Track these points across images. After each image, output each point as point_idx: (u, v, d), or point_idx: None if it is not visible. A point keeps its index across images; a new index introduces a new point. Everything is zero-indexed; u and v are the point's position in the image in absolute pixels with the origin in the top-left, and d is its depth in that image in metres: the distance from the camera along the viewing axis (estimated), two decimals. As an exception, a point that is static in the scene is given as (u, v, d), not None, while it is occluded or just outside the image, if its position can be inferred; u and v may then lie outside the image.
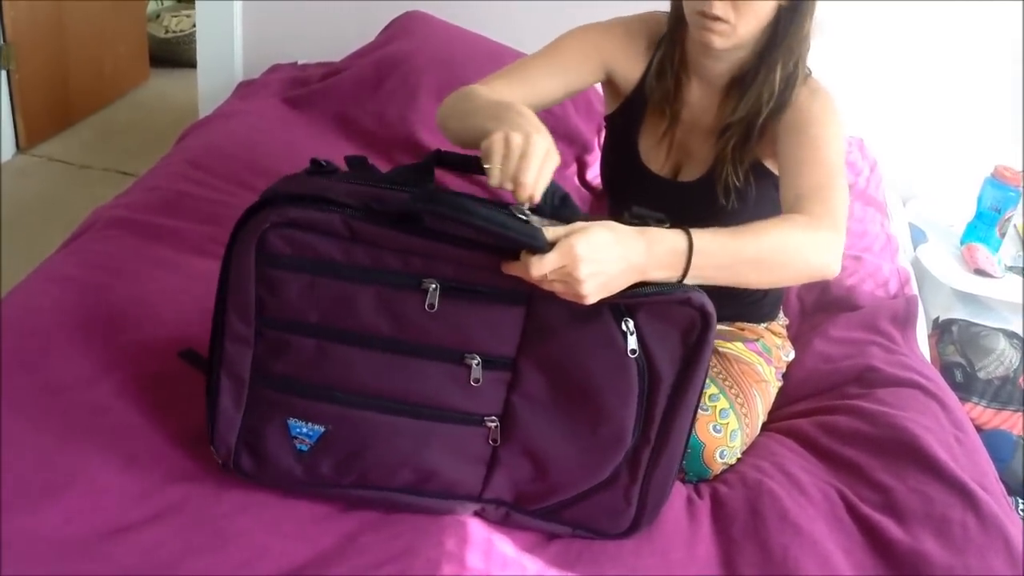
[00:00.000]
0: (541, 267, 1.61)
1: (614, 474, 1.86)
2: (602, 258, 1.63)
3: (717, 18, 2.10)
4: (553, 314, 1.72)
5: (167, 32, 6.18)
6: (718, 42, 2.14)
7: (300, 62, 4.09)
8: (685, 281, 1.74)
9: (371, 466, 1.84)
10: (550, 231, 1.64)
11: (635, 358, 1.75)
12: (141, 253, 2.47)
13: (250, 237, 1.70)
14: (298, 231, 1.69)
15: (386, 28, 3.82)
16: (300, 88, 3.69)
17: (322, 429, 1.79)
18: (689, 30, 2.24)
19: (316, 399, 1.78)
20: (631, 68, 2.39)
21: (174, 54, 6.08)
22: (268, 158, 3.06)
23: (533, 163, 1.68)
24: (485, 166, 1.72)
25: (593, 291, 1.64)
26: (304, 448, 1.80)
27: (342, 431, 1.80)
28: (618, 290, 1.69)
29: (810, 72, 2.30)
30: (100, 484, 1.79)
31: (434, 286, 1.68)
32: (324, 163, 1.85)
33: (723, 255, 1.79)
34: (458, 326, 1.72)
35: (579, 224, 1.66)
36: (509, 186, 1.68)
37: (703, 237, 1.75)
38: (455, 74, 3.41)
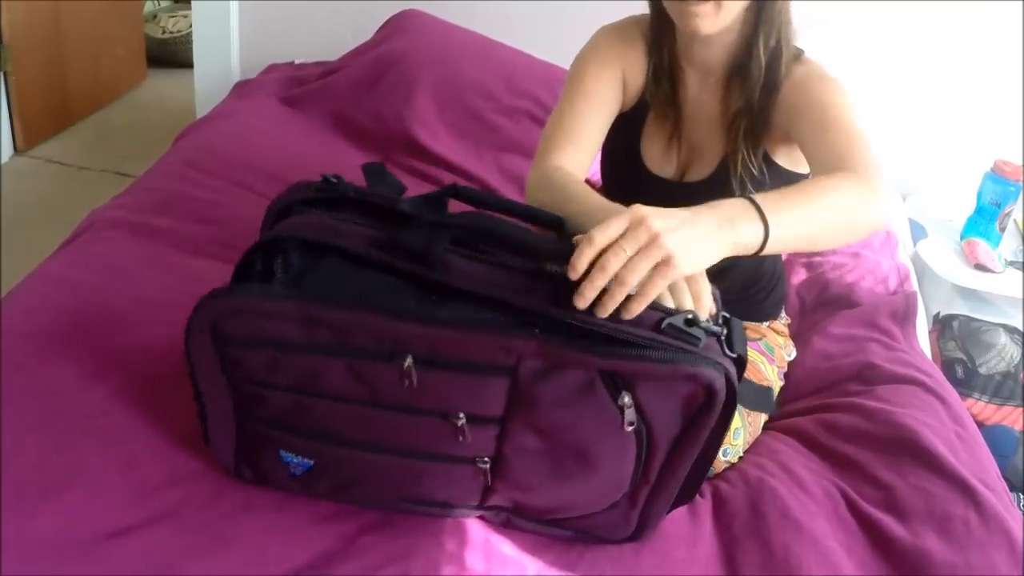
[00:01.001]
0: (608, 229, 1.51)
1: (613, 504, 1.83)
2: (671, 213, 1.54)
3: (698, 1, 2.07)
4: (540, 387, 1.62)
5: (164, 33, 6.18)
6: (704, 26, 2.10)
7: (297, 62, 4.10)
8: (770, 236, 1.63)
9: (365, 490, 1.84)
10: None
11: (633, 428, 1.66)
12: (139, 254, 2.47)
13: (202, 325, 1.69)
14: (250, 317, 1.65)
15: (382, 27, 3.82)
16: (297, 88, 3.70)
17: (311, 462, 1.77)
18: (676, 23, 2.21)
19: (302, 438, 1.75)
20: (636, 73, 2.38)
21: (171, 54, 6.08)
22: (265, 158, 3.06)
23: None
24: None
25: (679, 248, 1.50)
26: (297, 473, 1.79)
27: (331, 466, 1.79)
28: (715, 256, 1.58)
29: (802, 52, 2.28)
30: (99, 486, 1.78)
31: (408, 362, 1.60)
32: (335, 179, 1.81)
33: (791, 207, 1.71)
34: (438, 394, 1.65)
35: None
36: None
37: (764, 196, 1.68)
38: (451, 72, 3.43)
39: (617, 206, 1.90)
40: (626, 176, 2.45)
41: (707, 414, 1.64)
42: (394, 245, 1.64)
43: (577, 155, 2.24)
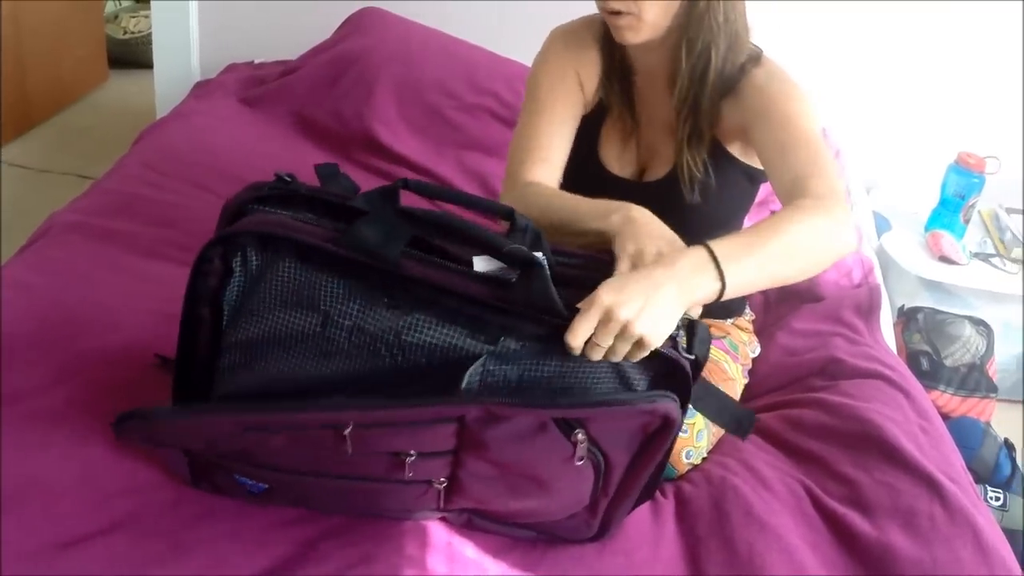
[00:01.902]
0: (579, 331, 1.56)
1: (572, 514, 1.82)
2: (633, 292, 1.59)
3: (619, 12, 2.08)
4: (489, 431, 1.61)
5: (125, 33, 6.14)
6: (630, 36, 2.13)
7: (257, 61, 4.08)
8: (727, 286, 1.69)
9: (323, 505, 1.84)
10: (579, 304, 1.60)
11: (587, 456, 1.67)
12: (96, 257, 2.45)
13: (138, 436, 1.71)
14: (184, 436, 1.69)
15: (342, 25, 3.81)
16: (256, 87, 3.68)
17: (266, 485, 1.76)
18: None
19: (254, 468, 1.73)
20: (591, 75, 2.37)
21: (133, 55, 6.04)
22: (224, 159, 3.05)
23: None
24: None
25: (649, 328, 1.58)
26: (254, 492, 1.78)
27: (286, 489, 1.78)
28: (677, 317, 1.64)
29: (760, 52, 2.27)
30: (56, 494, 1.76)
31: (348, 430, 1.57)
32: (289, 178, 1.80)
33: (748, 253, 1.75)
34: (384, 443, 1.63)
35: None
36: None
37: (720, 243, 1.72)
38: (412, 70, 3.42)
39: (604, 201, 1.97)
40: (586, 177, 2.43)
41: (662, 436, 1.67)
42: (352, 239, 1.63)
43: (547, 170, 2.25)
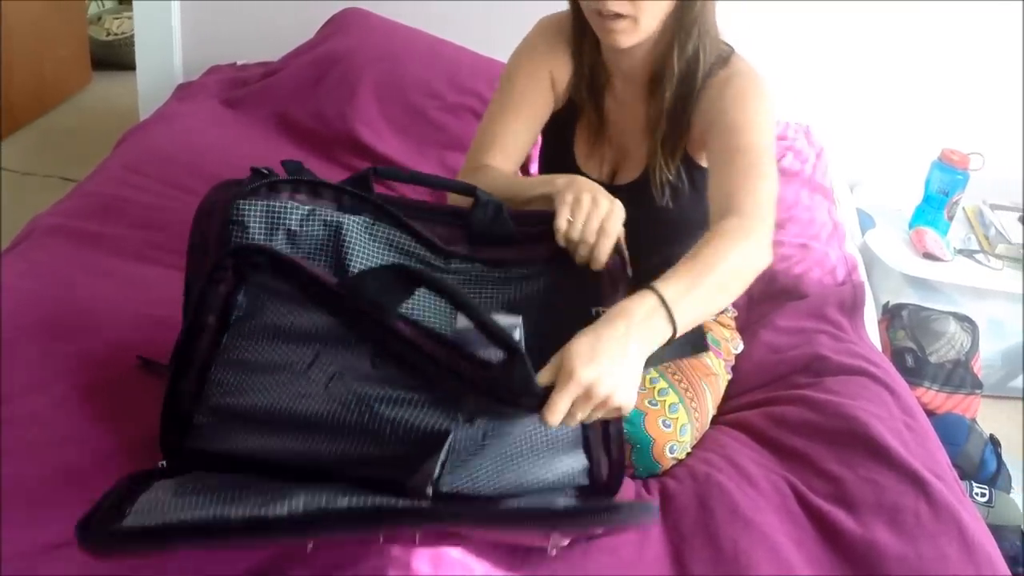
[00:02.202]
0: (558, 410, 1.58)
1: None
2: (602, 359, 1.60)
3: (617, 15, 2.06)
4: (453, 528, 1.67)
5: (108, 35, 6.13)
6: (623, 40, 2.11)
7: (239, 63, 4.07)
8: (677, 329, 1.72)
9: None
10: (542, 374, 1.61)
11: None
12: (79, 260, 2.45)
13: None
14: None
15: (324, 26, 3.82)
16: (239, 89, 3.68)
17: None
18: (597, 35, 2.21)
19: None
20: (563, 74, 2.36)
21: (116, 57, 6.02)
22: (206, 160, 3.04)
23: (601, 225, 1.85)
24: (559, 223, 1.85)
25: (624, 397, 1.62)
26: None
27: None
28: (640, 376, 1.67)
29: (731, 51, 2.27)
30: (39, 498, 1.76)
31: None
32: (267, 171, 1.82)
33: (691, 293, 1.77)
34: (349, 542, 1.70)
35: (560, 352, 1.62)
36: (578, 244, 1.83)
37: (666, 285, 1.75)
38: (394, 70, 3.42)
39: (549, 177, 2.05)
40: (558, 172, 2.44)
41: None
42: (356, 283, 1.65)
43: (503, 160, 2.29)
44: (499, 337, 1.59)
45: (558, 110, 2.41)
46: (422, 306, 1.85)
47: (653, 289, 1.73)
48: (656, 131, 2.27)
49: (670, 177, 2.26)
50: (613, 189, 2.26)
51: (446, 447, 1.59)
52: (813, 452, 2.18)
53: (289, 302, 1.69)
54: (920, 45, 4.03)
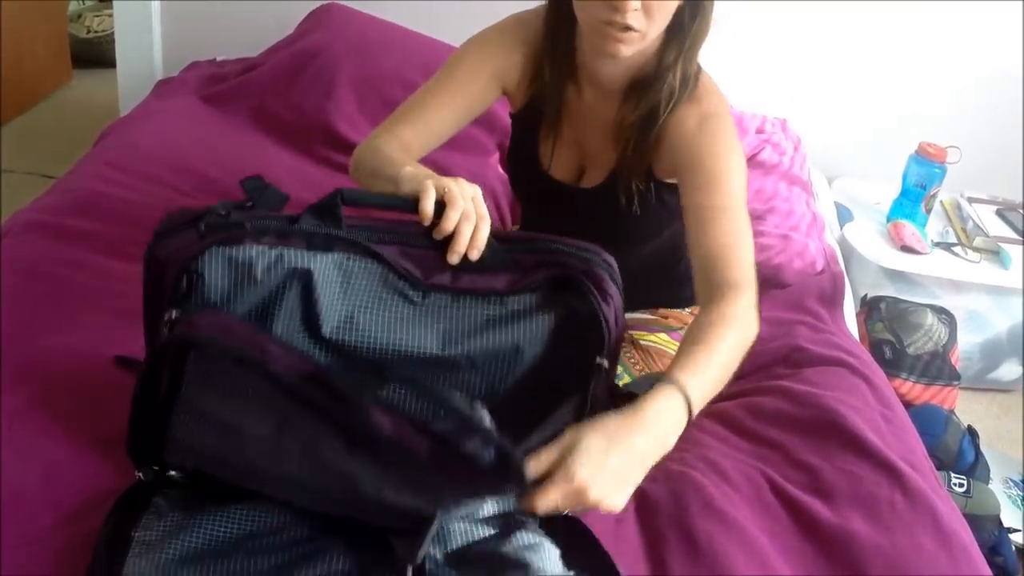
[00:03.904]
0: (547, 504, 1.59)
1: None
2: (608, 467, 1.62)
3: (628, 28, 2.00)
4: None
5: (89, 32, 6.10)
6: (625, 50, 2.05)
7: (219, 59, 4.06)
8: (689, 421, 1.79)
9: None
10: (542, 457, 1.61)
11: None
12: (58, 256, 2.44)
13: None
14: None
15: (303, 21, 3.82)
16: (218, 84, 3.67)
17: None
18: (585, 38, 2.17)
19: None
20: (523, 74, 2.35)
21: (97, 54, 6.00)
22: (186, 156, 3.04)
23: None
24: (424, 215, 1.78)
25: (617, 500, 1.64)
26: None
27: None
28: (640, 479, 1.69)
29: (699, 69, 2.24)
30: (17, 494, 1.75)
31: None
32: (224, 212, 1.76)
33: (706, 385, 1.84)
34: None
35: (568, 438, 1.64)
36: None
37: (693, 387, 1.79)
38: (372, 65, 3.42)
39: (425, 172, 1.96)
40: (526, 177, 2.46)
41: None
42: (321, 379, 1.62)
43: (414, 138, 2.27)
44: (489, 438, 1.57)
45: (520, 110, 2.41)
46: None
47: (683, 392, 1.77)
48: (625, 137, 2.25)
49: (639, 186, 2.25)
50: (580, 192, 2.27)
51: (433, 527, 1.55)
52: (790, 443, 2.19)
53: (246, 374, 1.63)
54: (897, 38, 4.04)
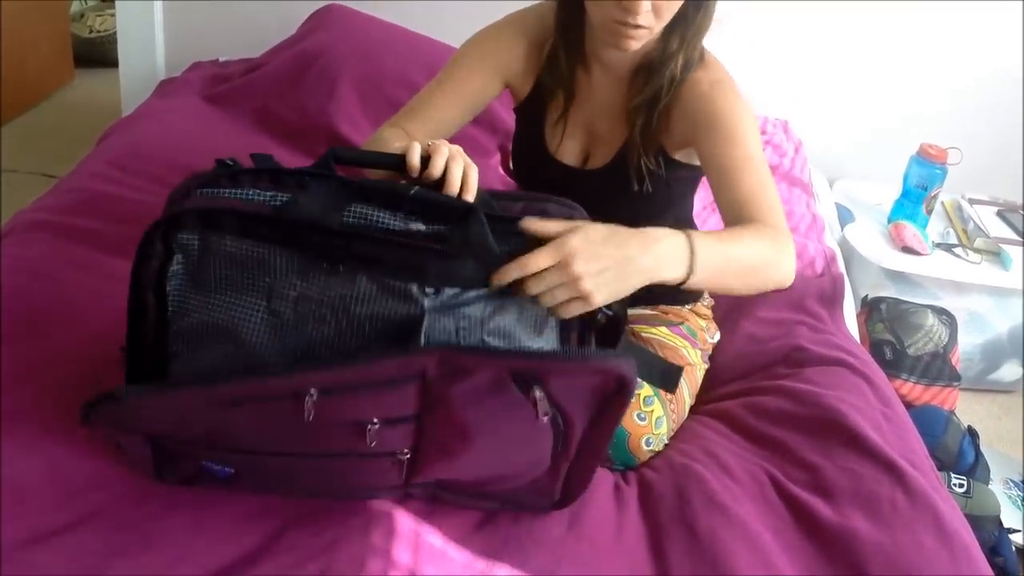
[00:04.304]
0: (531, 264, 1.61)
1: (535, 478, 1.84)
2: (600, 253, 1.65)
3: (639, 26, 2.05)
4: (451, 388, 1.62)
5: (91, 32, 6.11)
6: (635, 45, 2.11)
7: (221, 59, 4.07)
8: (691, 281, 1.77)
9: (288, 488, 1.85)
10: (540, 224, 1.66)
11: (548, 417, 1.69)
12: (61, 255, 2.44)
13: (103, 420, 1.70)
14: (147, 419, 1.71)
15: (305, 22, 3.83)
16: (221, 85, 3.67)
17: (232, 470, 1.77)
18: (595, 32, 2.22)
19: (220, 452, 1.74)
20: (528, 68, 2.39)
21: (99, 54, 6.00)
22: (188, 156, 3.03)
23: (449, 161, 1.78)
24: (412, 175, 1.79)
25: (596, 288, 1.64)
26: (220, 476, 1.78)
27: (251, 472, 1.79)
28: (627, 293, 1.69)
29: (704, 51, 2.28)
30: (21, 490, 1.76)
31: (312, 398, 1.57)
32: (231, 162, 1.81)
33: (718, 257, 1.83)
34: (348, 412, 1.64)
35: (572, 222, 1.69)
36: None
37: (697, 237, 1.79)
38: (374, 66, 3.42)
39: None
40: (532, 162, 2.48)
41: (619, 399, 1.68)
42: (293, 209, 1.67)
43: (418, 131, 2.29)
44: (451, 203, 1.65)
45: (523, 102, 2.44)
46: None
47: (688, 235, 1.78)
48: (634, 118, 2.28)
49: (649, 165, 2.27)
50: (587, 174, 2.29)
51: (424, 327, 1.61)
52: (791, 441, 2.19)
53: (222, 251, 1.67)
54: (898, 39, 4.05)
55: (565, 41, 2.32)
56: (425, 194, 1.68)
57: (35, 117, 5.40)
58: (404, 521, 1.84)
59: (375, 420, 1.63)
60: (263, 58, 3.75)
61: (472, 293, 1.65)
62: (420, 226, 1.67)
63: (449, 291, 1.64)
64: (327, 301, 1.62)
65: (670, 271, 1.74)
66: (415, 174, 1.79)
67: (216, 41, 4.18)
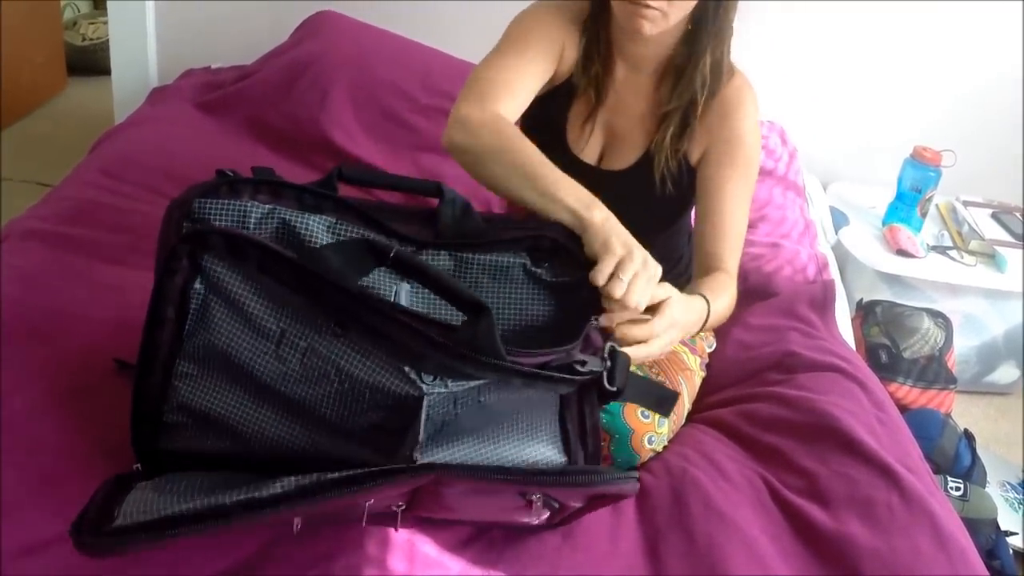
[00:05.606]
0: (650, 329, 1.87)
1: None
2: (680, 323, 1.96)
3: (648, 5, 2.08)
4: (442, 490, 1.63)
5: (84, 40, 6.10)
6: (647, 28, 2.13)
7: (213, 66, 4.06)
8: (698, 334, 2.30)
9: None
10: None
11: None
12: (54, 264, 2.43)
13: None
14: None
15: (297, 29, 3.82)
16: (213, 92, 3.67)
17: None
18: (615, 16, 2.24)
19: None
20: (571, 51, 2.38)
21: (92, 62, 6.00)
22: (181, 164, 3.04)
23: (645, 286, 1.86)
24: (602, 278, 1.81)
25: (666, 349, 1.95)
26: None
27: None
28: (669, 345, 1.97)
29: (732, 65, 2.33)
30: (13, 502, 1.75)
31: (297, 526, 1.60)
32: (231, 173, 1.81)
33: (713, 316, 2.17)
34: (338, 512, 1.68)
35: (665, 291, 1.91)
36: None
37: (711, 301, 2.15)
38: (367, 73, 3.42)
39: (581, 188, 1.99)
40: (550, 156, 2.45)
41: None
42: (315, 257, 1.68)
43: (513, 109, 2.22)
44: (464, 297, 1.62)
45: (558, 86, 2.42)
46: (382, 284, 1.83)
47: (705, 299, 2.13)
48: (666, 125, 2.32)
49: (674, 171, 2.33)
50: (607, 174, 2.31)
51: (424, 411, 1.59)
52: (786, 448, 2.19)
53: (247, 282, 1.66)
54: (892, 43, 4.05)
55: (596, 34, 2.34)
56: (448, 282, 1.66)
57: (28, 125, 5.39)
58: (399, 531, 1.83)
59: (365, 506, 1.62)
60: (255, 65, 3.74)
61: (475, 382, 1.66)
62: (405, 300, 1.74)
63: (454, 388, 1.64)
64: (333, 361, 1.62)
65: (696, 325, 2.11)
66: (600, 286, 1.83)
67: (208, 48, 4.18)
